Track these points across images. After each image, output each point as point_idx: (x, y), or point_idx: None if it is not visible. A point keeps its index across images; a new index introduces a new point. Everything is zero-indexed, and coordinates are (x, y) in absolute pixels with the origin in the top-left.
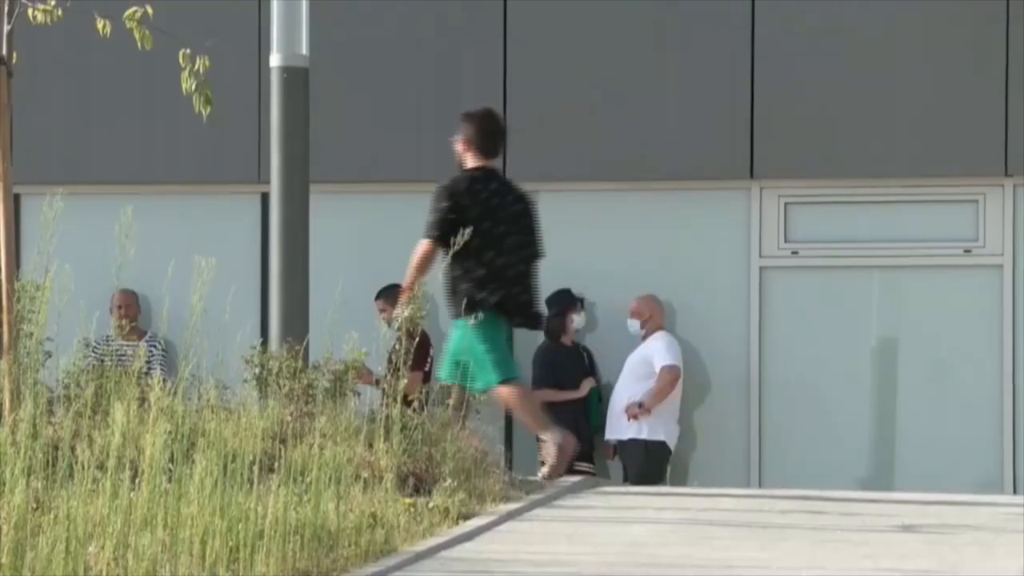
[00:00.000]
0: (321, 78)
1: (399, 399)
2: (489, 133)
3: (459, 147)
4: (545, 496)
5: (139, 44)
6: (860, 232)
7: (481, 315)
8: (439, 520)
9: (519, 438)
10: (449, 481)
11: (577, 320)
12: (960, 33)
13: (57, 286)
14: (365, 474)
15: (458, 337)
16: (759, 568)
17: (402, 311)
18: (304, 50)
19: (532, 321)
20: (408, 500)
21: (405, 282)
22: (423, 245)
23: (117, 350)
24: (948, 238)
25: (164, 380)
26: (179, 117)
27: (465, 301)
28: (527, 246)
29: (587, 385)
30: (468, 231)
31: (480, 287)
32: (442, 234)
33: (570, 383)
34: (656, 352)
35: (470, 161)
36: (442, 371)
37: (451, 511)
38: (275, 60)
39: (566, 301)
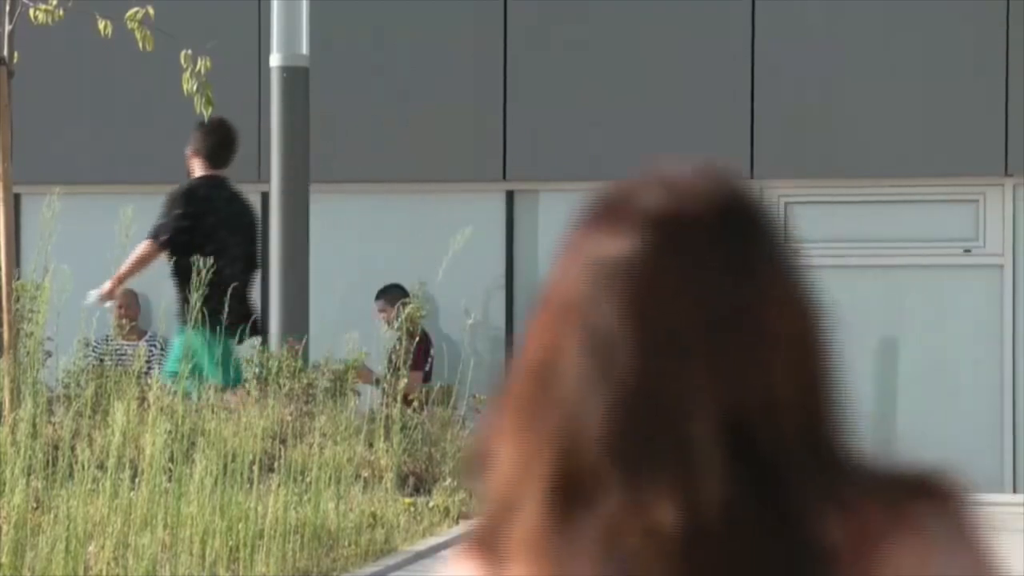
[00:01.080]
0: (321, 78)
1: (399, 399)
2: (220, 144)
3: (189, 156)
4: None
5: (140, 45)
6: (860, 232)
7: (205, 325)
8: (439, 520)
9: None
10: (449, 481)
11: None
12: (960, 33)
13: (57, 286)
14: (365, 474)
15: (181, 344)
16: None
17: (110, 303)
18: (304, 50)
19: (254, 328)
20: (408, 500)
21: (117, 274)
22: (146, 245)
23: (117, 350)
24: (948, 238)
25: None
26: (180, 117)
27: (192, 310)
28: (252, 256)
29: None
30: (201, 239)
31: (207, 298)
32: (171, 238)
33: None
34: None
35: (198, 169)
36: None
37: (451, 511)
38: (275, 60)
39: None
